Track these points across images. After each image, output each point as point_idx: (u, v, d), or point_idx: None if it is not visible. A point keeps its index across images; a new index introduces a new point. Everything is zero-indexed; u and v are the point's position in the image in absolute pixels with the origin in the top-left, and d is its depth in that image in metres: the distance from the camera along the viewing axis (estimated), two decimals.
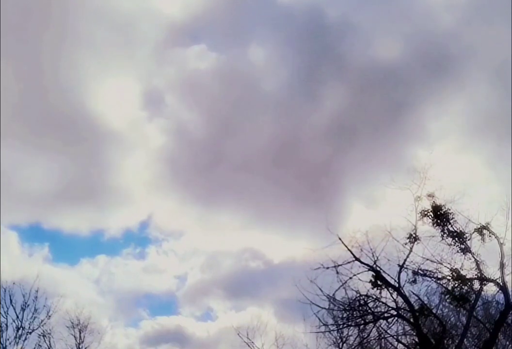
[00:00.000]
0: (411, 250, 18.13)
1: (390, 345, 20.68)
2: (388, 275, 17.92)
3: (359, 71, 35.80)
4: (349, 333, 19.64)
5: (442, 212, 18.43)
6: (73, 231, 38.96)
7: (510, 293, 17.18)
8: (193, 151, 40.38)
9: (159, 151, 40.90)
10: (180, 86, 41.38)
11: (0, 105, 27.19)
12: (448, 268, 18.11)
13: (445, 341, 18.24)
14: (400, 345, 19.89)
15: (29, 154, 36.12)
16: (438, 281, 18.48)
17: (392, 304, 18.10)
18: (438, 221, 18.41)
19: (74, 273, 39.76)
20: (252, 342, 24.15)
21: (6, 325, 21.42)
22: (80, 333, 23.61)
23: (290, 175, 36.13)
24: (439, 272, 18.28)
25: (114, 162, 40.45)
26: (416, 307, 17.78)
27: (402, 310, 18.05)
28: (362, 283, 18.09)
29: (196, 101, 40.37)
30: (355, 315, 18.25)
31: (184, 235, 43.77)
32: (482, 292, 18.44)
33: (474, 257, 17.80)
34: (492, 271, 17.51)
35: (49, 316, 22.27)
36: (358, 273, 17.99)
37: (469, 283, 17.79)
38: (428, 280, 18.57)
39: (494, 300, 19.98)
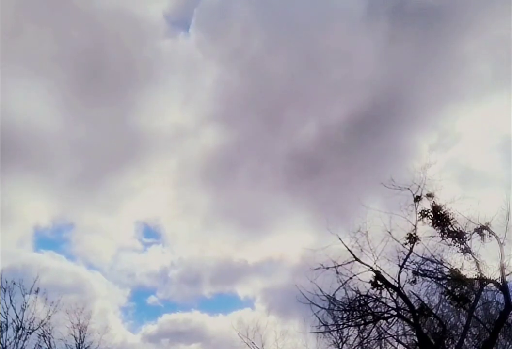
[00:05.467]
0: (411, 250, 18.13)
1: (390, 345, 20.69)
2: (388, 275, 17.96)
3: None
4: (349, 333, 19.67)
5: (442, 212, 18.41)
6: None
7: (510, 293, 17.17)
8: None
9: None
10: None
11: None
12: (448, 268, 18.12)
13: (445, 341, 18.23)
14: (400, 345, 19.92)
15: None
16: (438, 281, 18.49)
17: (392, 304, 18.13)
18: (438, 221, 18.38)
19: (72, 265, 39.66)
20: (252, 342, 24.19)
21: (6, 325, 21.43)
22: (80, 333, 23.59)
23: None
24: (439, 272, 18.30)
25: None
26: (416, 307, 17.78)
27: (402, 310, 18.05)
28: (362, 283, 18.15)
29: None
30: (355, 315, 18.25)
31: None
32: (482, 292, 18.44)
33: (474, 257, 17.78)
34: (492, 271, 17.51)
35: (49, 316, 22.29)
36: (358, 273, 18.03)
37: (469, 283, 17.77)
38: (428, 280, 18.59)
39: (494, 300, 20.00)
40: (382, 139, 34.54)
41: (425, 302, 18.66)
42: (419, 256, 18.29)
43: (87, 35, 34.91)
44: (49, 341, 22.54)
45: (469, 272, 17.75)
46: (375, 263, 17.87)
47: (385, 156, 32.61)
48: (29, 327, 21.76)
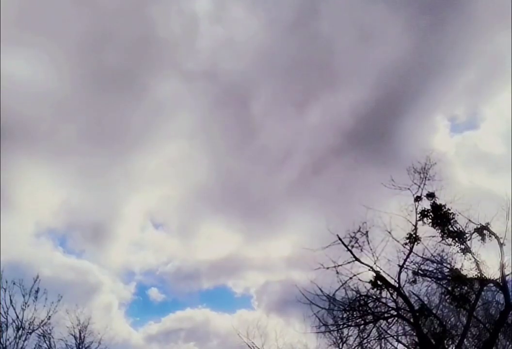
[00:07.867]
0: (411, 250, 18.14)
1: (390, 345, 20.70)
2: (388, 275, 17.98)
3: None
4: (349, 333, 19.68)
5: (442, 212, 18.41)
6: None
7: (510, 293, 17.17)
8: None
9: None
10: None
11: None
12: (448, 268, 18.13)
13: (445, 341, 18.23)
14: (400, 345, 19.94)
15: None
16: (438, 281, 18.50)
17: (392, 304, 18.14)
18: (438, 221, 18.39)
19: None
20: (253, 343, 24.16)
21: (6, 325, 21.36)
22: (80, 333, 23.54)
23: None
24: (439, 272, 18.31)
25: None
26: (416, 307, 17.79)
27: (402, 310, 18.05)
28: (362, 283, 18.17)
29: None
30: (355, 315, 18.26)
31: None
32: (482, 292, 18.44)
33: (474, 257, 17.79)
34: (492, 271, 17.53)
35: (49, 316, 22.22)
36: (358, 273, 18.04)
37: (469, 283, 17.77)
38: (428, 280, 18.61)
39: (494, 300, 20.00)
40: (397, 124, 34.07)
41: (425, 302, 18.70)
42: (419, 256, 18.34)
43: (99, 13, 34.06)
44: (49, 341, 22.48)
45: (469, 272, 17.78)
46: (375, 263, 17.92)
47: (397, 145, 32.14)
48: (29, 327, 21.68)
